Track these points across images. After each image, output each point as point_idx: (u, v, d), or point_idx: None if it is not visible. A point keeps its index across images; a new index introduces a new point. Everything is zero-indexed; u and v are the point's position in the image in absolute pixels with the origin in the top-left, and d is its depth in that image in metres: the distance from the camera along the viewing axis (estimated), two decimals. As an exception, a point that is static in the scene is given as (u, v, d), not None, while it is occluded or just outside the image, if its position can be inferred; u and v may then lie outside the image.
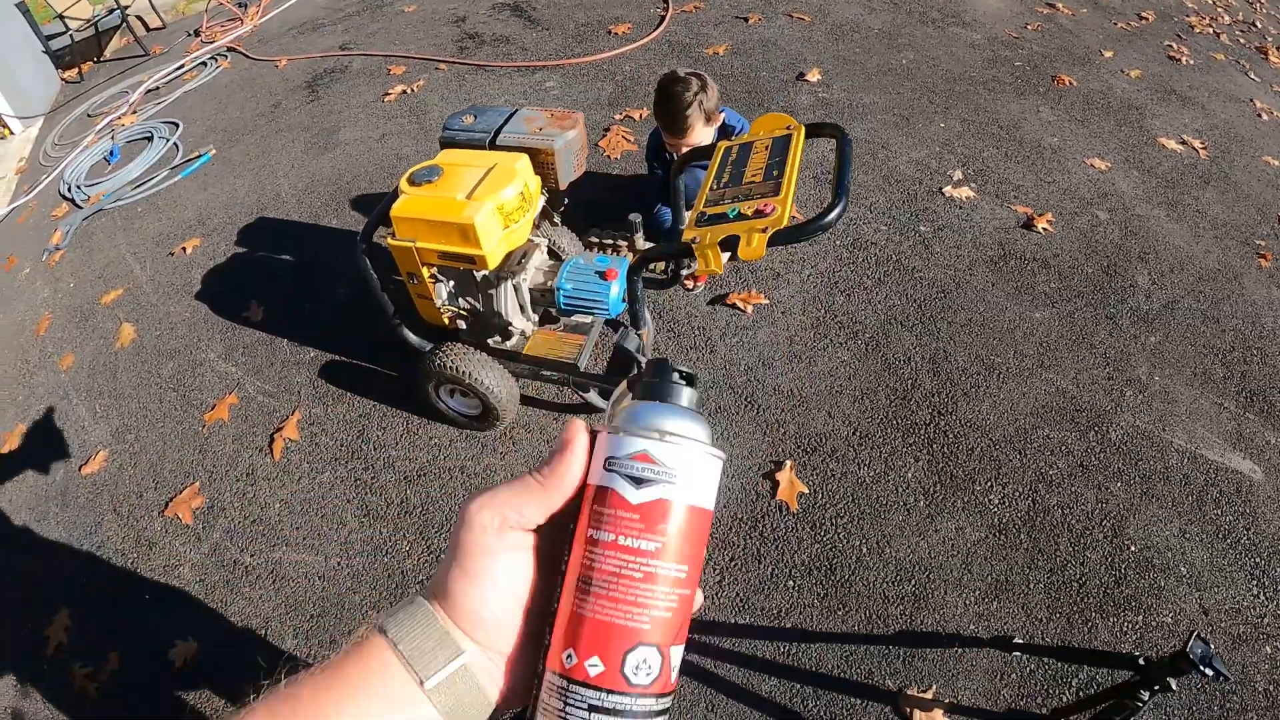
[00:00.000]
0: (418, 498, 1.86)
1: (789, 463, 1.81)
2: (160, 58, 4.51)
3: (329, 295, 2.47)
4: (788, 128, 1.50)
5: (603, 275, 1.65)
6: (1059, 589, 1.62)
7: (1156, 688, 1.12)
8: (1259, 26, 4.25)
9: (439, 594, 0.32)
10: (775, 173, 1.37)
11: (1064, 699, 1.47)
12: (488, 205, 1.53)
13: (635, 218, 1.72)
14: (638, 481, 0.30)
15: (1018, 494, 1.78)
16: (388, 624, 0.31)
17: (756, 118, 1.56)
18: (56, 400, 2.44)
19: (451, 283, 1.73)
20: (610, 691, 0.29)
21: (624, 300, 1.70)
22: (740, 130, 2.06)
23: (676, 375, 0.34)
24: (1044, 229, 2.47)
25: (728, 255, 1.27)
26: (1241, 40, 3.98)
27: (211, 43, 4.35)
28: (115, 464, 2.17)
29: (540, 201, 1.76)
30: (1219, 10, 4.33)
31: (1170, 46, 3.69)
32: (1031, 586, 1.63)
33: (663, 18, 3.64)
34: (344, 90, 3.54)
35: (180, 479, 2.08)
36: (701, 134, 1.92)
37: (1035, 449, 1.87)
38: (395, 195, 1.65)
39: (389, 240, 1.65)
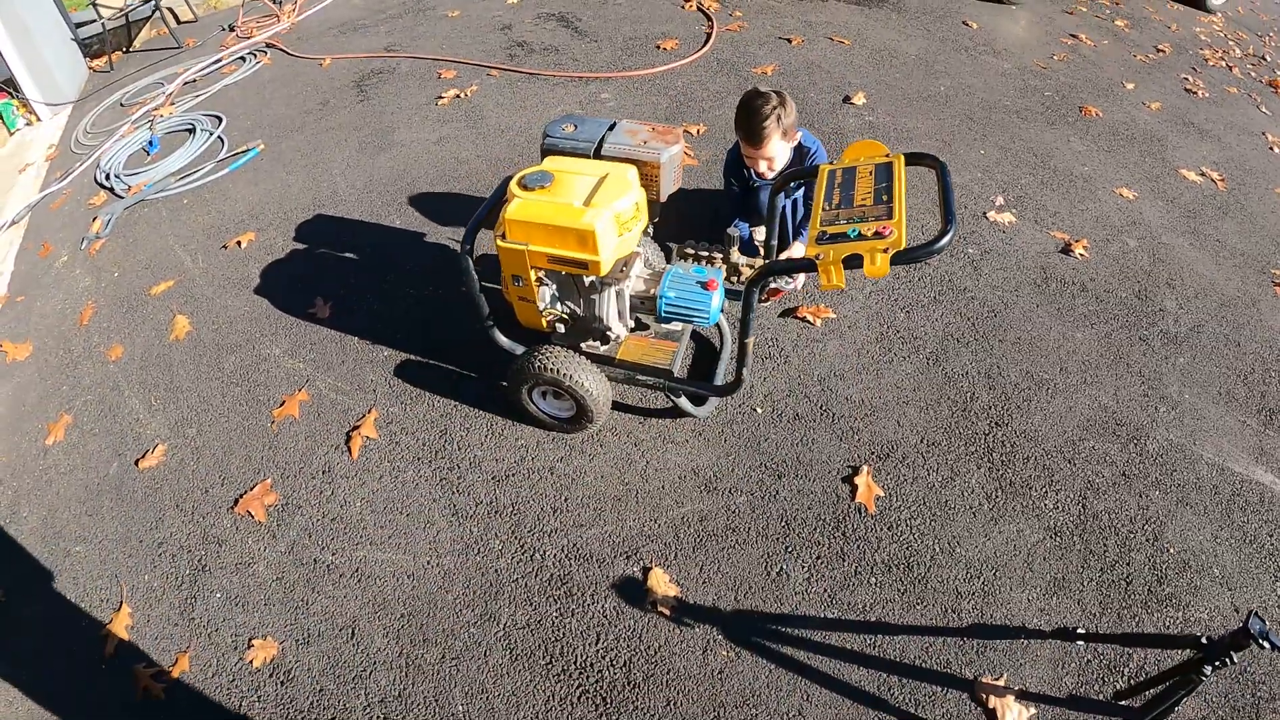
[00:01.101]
0: (507, 498, 1.94)
1: (865, 468, 1.93)
2: (194, 50, 4.52)
3: (398, 294, 2.53)
4: (886, 155, 1.64)
5: (704, 286, 1.76)
6: (1109, 587, 1.76)
7: (1218, 663, 1.26)
8: (1269, 60, 4.55)
9: None
10: (885, 197, 1.50)
11: (1118, 684, 1.60)
12: (607, 213, 1.63)
13: (733, 231, 1.83)
14: None
15: (1069, 500, 1.93)
16: None
17: (849, 145, 1.68)
18: (106, 392, 2.43)
19: (556, 286, 1.82)
20: None
21: (722, 311, 1.81)
22: (815, 152, 2.18)
23: None
24: (1080, 254, 2.65)
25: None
26: (1253, 74, 4.26)
27: (248, 38, 4.37)
28: (176, 458, 2.17)
29: (648, 213, 1.86)
30: (1230, 43, 4.62)
31: (1186, 79, 3.94)
32: (1085, 584, 1.77)
33: (708, 35, 3.78)
34: (394, 92, 3.60)
35: (250, 475, 2.09)
36: (777, 147, 2.03)
37: (1083, 459, 2.02)
38: (499, 198, 1.74)
39: (498, 242, 1.73)
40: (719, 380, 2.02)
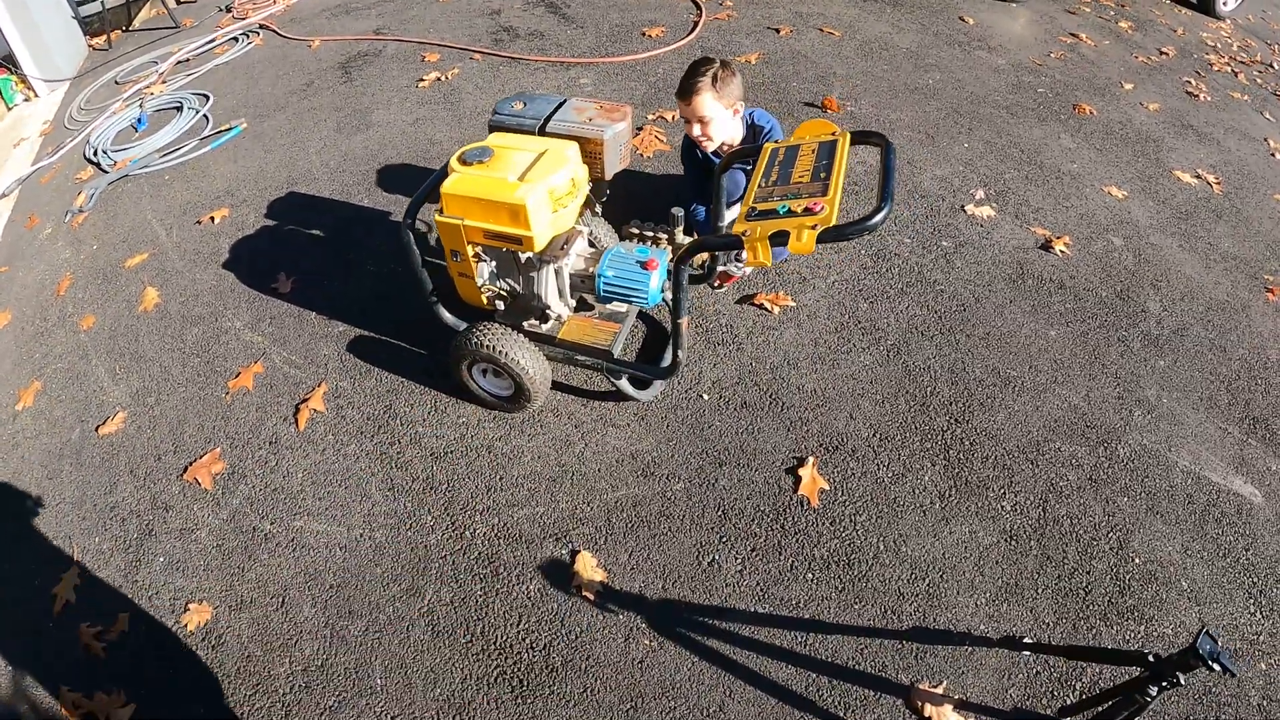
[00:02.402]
0: (444, 474, 1.89)
1: (811, 459, 1.86)
2: (190, 30, 4.54)
3: (359, 271, 2.50)
4: (833, 133, 1.57)
5: (644, 265, 1.70)
6: (1066, 596, 1.67)
7: (1165, 683, 1.17)
8: (1277, 68, 4.37)
9: None
10: (822, 174, 1.43)
11: (1068, 699, 1.51)
12: (539, 187, 1.58)
13: (678, 211, 1.76)
14: None
15: (1029, 502, 1.84)
16: None
17: (802, 122, 1.62)
18: (75, 360, 2.45)
19: (494, 263, 1.77)
20: None
21: (663, 291, 1.75)
22: (770, 131, 2.11)
23: None
24: (1061, 251, 2.54)
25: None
26: (1259, 81, 4.10)
27: (243, 19, 4.38)
28: (134, 426, 2.18)
29: (586, 189, 1.81)
30: (1237, 50, 4.46)
31: (1189, 83, 3.80)
32: (1040, 592, 1.68)
33: (696, 23, 3.72)
34: (377, 74, 3.58)
35: (201, 444, 2.09)
36: (711, 107, 1.95)
37: (1047, 460, 1.93)
38: (443, 173, 1.70)
39: (436, 216, 1.69)
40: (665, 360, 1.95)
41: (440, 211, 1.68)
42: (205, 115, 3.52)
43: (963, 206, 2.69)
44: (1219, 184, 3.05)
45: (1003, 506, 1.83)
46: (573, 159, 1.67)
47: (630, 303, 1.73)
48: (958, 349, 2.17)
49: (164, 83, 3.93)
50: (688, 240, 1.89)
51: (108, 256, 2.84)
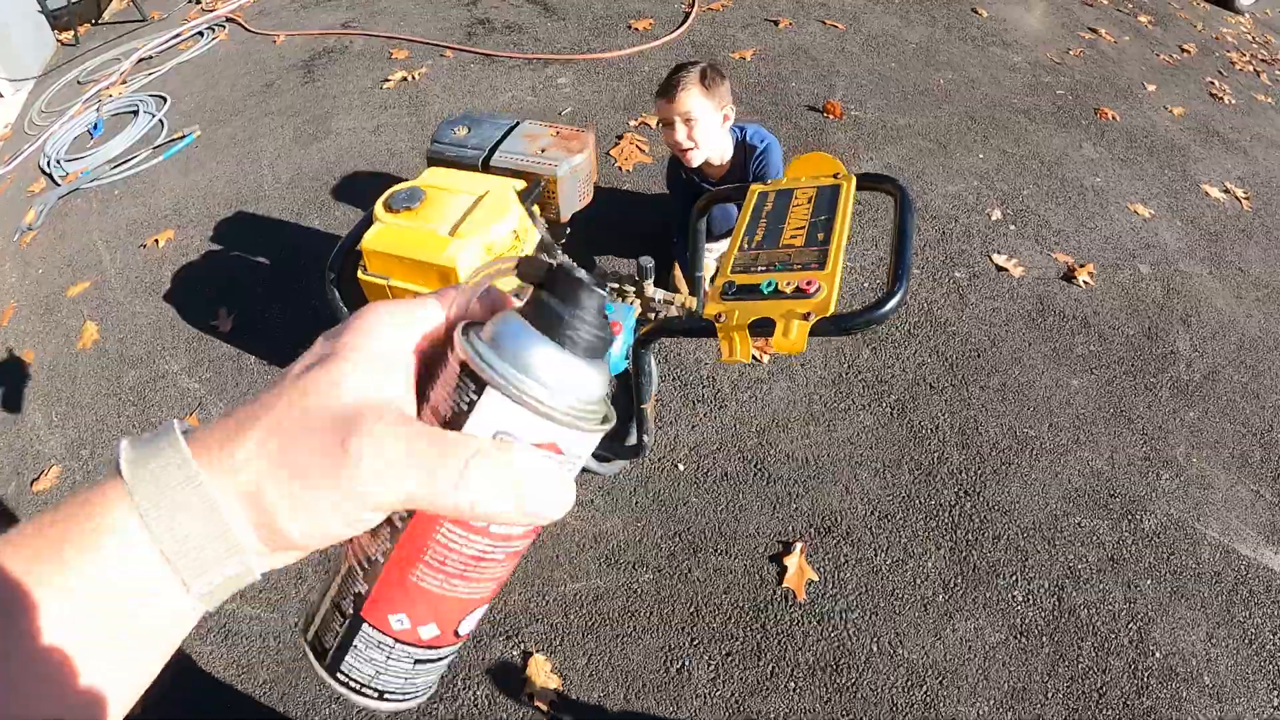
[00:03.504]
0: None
1: (799, 545, 1.57)
2: (158, 24, 4.15)
3: (303, 308, 2.19)
4: (835, 175, 1.22)
5: (604, 328, 1.38)
6: (1078, 699, 1.43)
7: None
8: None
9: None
10: (820, 235, 1.09)
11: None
12: (474, 244, 1.26)
13: (647, 261, 1.44)
14: None
15: (1043, 591, 1.56)
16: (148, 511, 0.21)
17: (796, 157, 1.27)
18: (14, 401, 2.18)
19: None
20: (439, 647, 0.27)
21: (627, 358, 1.44)
22: (765, 152, 1.77)
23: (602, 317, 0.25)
24: (1084, 282, 2.21)
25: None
26: (1284, 81, 3.67)
27: (211, 11, 3.98)
28: (68, 482, 1.92)
29: (538, 234, 1.48)
30: (1258, 47, 4.01)
31: (1212, 84, 3.39)
32: (1049, 696, 1.43)
33: (687, 14, 3.31)
34: (341, 73, 3.21)
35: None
36: (698, 105, 1.63)
37: (1065, 539, 1.64)
38: (369, 220, 1.38)
39: (360, 275, 1.37)
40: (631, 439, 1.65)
41: (363, 268, 1.36)
42: (161, 120, 3.17)
43: (978, 230, 2.34)
44: (1247, 199, 2.69)
45: (1014, 597, 1.55)
46: (515, 205, 1.35)
47: (589, 373, 1.42)
48: (970, 404, 1.86)
49: (124, 83, 3.57)
50: (659, 293, 1.56)
51: (52, 282, 2.55)
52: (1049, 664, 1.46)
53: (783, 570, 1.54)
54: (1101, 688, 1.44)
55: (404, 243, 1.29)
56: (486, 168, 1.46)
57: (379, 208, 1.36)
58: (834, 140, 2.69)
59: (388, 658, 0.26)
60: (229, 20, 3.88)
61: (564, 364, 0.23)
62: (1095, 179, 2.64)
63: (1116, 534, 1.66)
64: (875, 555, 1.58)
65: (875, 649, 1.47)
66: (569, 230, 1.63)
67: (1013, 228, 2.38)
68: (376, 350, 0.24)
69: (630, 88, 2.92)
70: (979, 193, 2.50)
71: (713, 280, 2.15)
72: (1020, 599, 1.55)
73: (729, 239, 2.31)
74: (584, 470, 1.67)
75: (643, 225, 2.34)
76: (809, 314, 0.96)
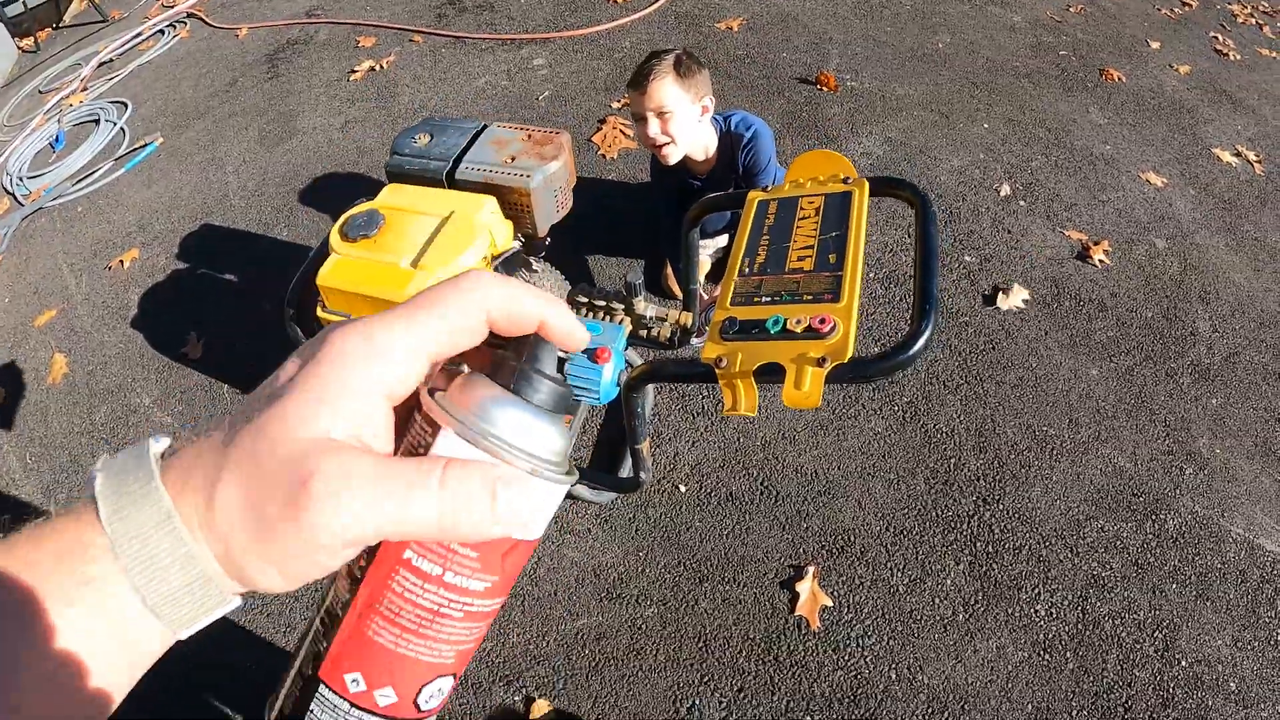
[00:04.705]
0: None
1: (811, 569, 1.43)
2: (119, 24, 3.81)
3: (274, 330, 1.98)
4: (845, 179, 1.02)
5: (592, 356, 1.20)
6: (1103, 716, 1.31)
7: None
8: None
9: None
10: (832, 257, 0.89)
11: None
12: (438, 279, 1.06)
13: (635, 278, 1.25)
14: None
15: (1066, 603, 1.43)
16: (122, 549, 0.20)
17: (797, 156, 1.05)
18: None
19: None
20: (396, 719, 0.25)
21: (618, 384, 1.27)
22: (754, 137, 1.55)
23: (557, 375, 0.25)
24: (1100, 260, 2.01)
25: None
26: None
27: (171, 7, 3.64)
28: None
29: (512, 248, 1.29)
30: None
31: (1216, 39, 3.10)
32: (1075, 714, 1.32)
33: (668, -15, 3.00)
34: (306, 66, 2.93)
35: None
36: (673, 96, 1.42)
37: (1088, 546, 1.50)
38: (325, 248, 1.18)
39: (320, 312, 1.19)
40: (625, 469, 1.48)
41: (322, 305, 1.18)
42: (122, 128, 2.91)
43: (986, 208, 2.13)
44: (1260, 163, 2.46)
45: (1036, 611, 1.41)
46: (486, 224, 1.15)
47: (579, 402, 1.25)
48: (986, 403, 1.69)
49: (85, 89, 3.28)
50: (651, 309, 1.37)
51: (19, 312, 2.35)
52: (1073, 680, 1.34)
53: (795, 597, 1.40)
54: (1127, 701, 1.32)
55: (362, 278, 1.10)
56: (452, 182, 1.26)
57: (334, 236, 1.16)
58: (830, 114, 2.45)
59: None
60: (190, 15, 3.56)
61: (521, 415, 0.23)
62: (1105, 146, 2.41)
63: (1140, 536, 1.52)
64: (891, 575, 1.44)
65: (894, 676, 1.34)
66: (548, 241, 1.43)
67: (1023, 204, 2.16)
68: (345, 384, 0.21)
69: (611, 66, 2.66)
70: (986, 166, 2.27)
71: (706, 278, 1.93)
72: (1043, 613, 1.41)
73: (721, 235, 2.08)
74: (576, 499, 1.52)
75: (632, 218, 2.13)
76: (824, 359, 0.77)
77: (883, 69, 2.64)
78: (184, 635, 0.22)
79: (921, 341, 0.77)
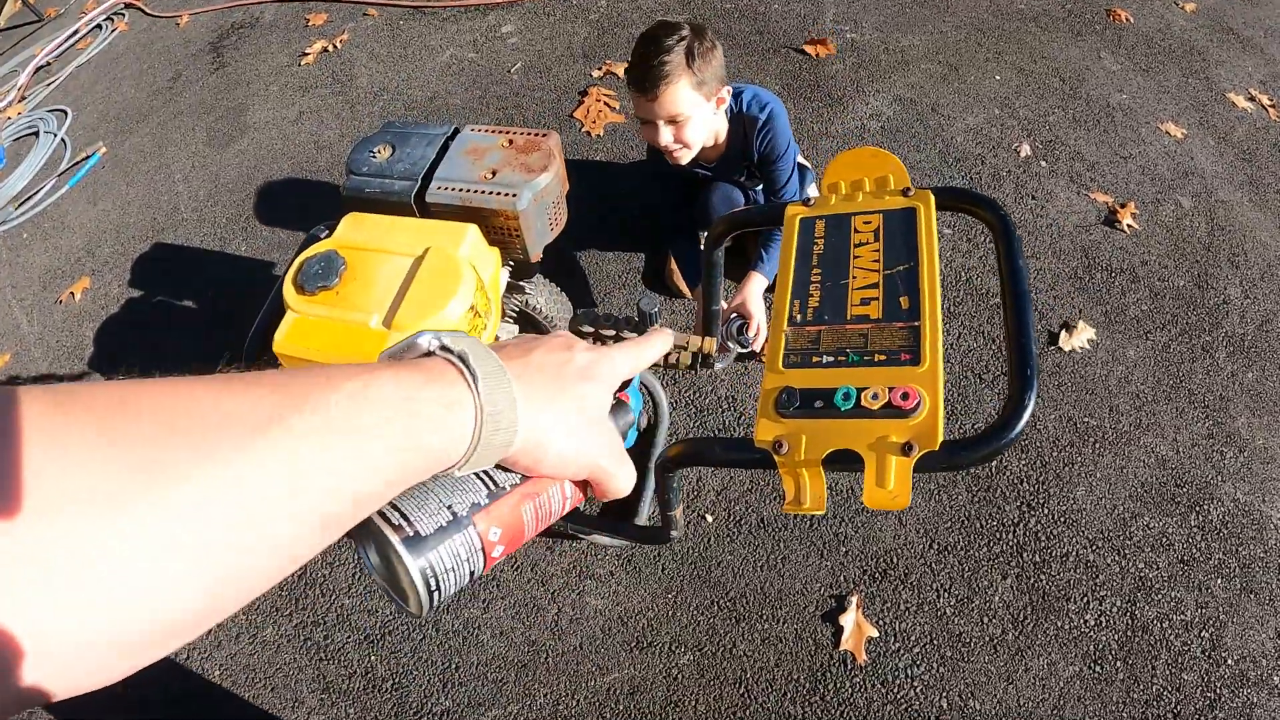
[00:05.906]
0: (385, 666, 1.30)
1: (855, 599, 1.27)
2: (54, 22, 3.30)
3: (235, 359, 1.74)
4: (906, 190, 0.77)
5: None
6: None
7: None
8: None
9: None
10: (903, 300, 0.65)
11: None
12: (415, 340, 0.83)
13: (650, 307, 1.02)
14: None
15: (1115, 610, 1.30)
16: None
17: (836, 156, 0.79)
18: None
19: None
20: (486, 567, 0.32)
21: (637, 426, 1.06)
22: (769, 119, 1.29)
23: None
24: (1128, 225, 1.80)
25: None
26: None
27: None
28: None
29: (503, 283, 1.05)
30: None
31: (1219, -28, 2.77)
32: None
33: (643, -62, 2.58)
34: (253, 52, 2.53)
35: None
36: (686, 99, 1.17)
37: (1134, 546, 1.36)
38: (278, 303, 0.94)
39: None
40: (644, 515, 1.28)
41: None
42: (64, 139, 2.52)
43: (1008, 171, 1.89)
44: (1274, 106, 2.22)
45: (1086, 621, 1.28)
46: (471, 259, 0.90)
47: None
48: (1020, 397, 1.50)
49: (23, 99, 2.84)
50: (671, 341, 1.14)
51: (-30, 358, 2.05)
52: (1123, 691, 1.23)
53: (839, 630, 1.25)
54: (1176, 707, 1.22)
55: (326, 342, 0.86)
56: (422, 206, 1.00)
57: (288, 290, 0.91)
58: (832, 72, 2.16)
59: (467, 560, 0.30)
60: (128, 6, 3.07)
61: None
62: (1121, 96, 2.14)
63: (1185, 530, 1.38)
64: (938, 597, 1.29)
65: (945, 705, 1.21)
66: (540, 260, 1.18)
67: (1044, 164, 1.92)
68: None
69: (588, 29, 2.30)
70: (1002, 124, 2.01)
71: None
72: (1092, 623, 1.28)
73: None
74: (594, 542, 1.33)
75: (626, 206, 1.86)
76: (909, 445, 0.55)
77: (883, 17, 2.32)
78: (467, 471, 0.29)
79: (1025, 418, 0.55)
